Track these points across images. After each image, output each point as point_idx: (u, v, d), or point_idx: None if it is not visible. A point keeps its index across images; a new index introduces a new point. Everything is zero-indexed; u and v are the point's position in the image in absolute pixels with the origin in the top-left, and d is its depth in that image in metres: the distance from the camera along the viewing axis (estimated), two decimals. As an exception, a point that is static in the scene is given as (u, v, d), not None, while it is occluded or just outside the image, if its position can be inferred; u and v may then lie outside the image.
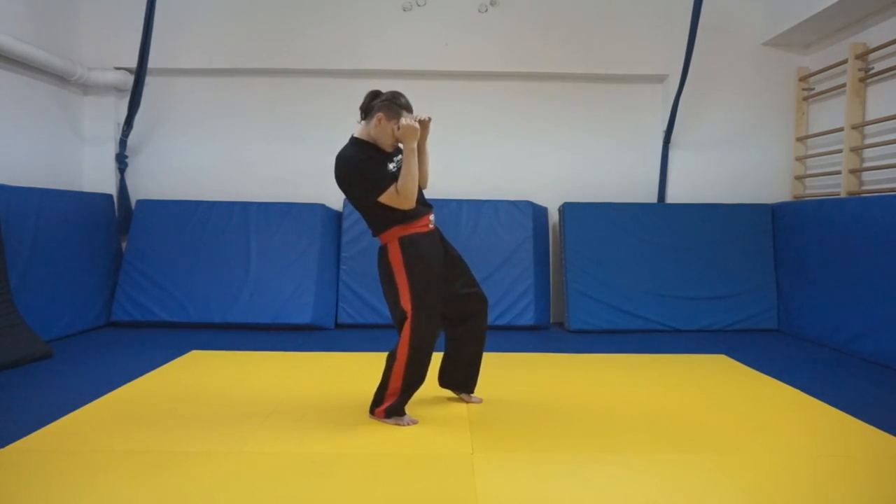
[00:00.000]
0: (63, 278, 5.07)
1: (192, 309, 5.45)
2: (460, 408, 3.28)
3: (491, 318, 5.42)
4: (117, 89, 6.01)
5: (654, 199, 6.17)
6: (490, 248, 5.69)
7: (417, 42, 5.91)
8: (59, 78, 5.60)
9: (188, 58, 5.96)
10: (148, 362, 4.14)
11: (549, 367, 4.25)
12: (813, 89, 5.93)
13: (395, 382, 3.01)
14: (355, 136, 3.06)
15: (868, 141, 5.16)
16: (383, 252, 3.04)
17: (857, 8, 5.04)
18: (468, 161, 6.05)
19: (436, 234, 3.11)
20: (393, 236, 2.99)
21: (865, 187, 5.14)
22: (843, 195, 5.18)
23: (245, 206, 5.79)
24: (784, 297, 5.61)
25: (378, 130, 2.97)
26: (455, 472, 2.49)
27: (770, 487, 2.38)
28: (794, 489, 2.38)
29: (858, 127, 5.19)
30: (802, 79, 6.00)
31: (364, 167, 2.95)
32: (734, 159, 6.11)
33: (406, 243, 2.97)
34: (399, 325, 3.02)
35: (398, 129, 2.92)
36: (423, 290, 2.96)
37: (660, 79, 6.15)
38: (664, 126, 6.01)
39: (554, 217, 6.07)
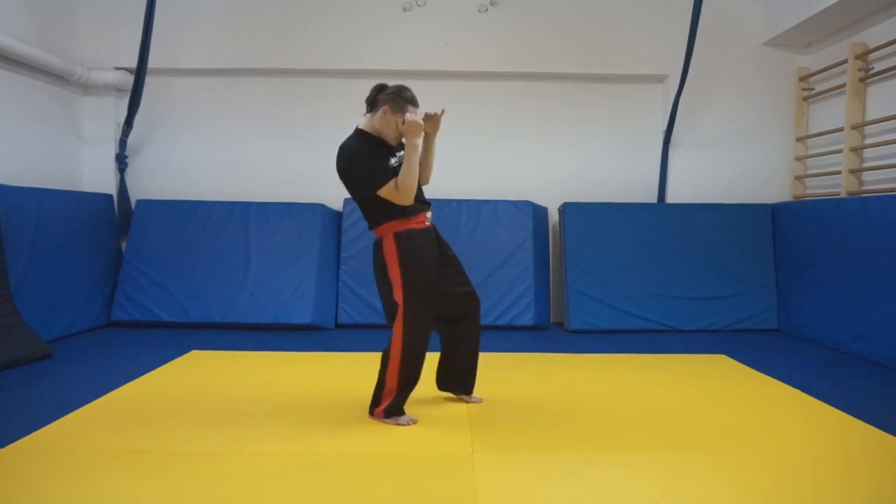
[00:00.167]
0: (63, 278, 5.07)
1: (192, 309, 5.45)
2: (460, 408, 3.28)
3: (491, 318, 5.48)
4: (117, 89, 6.01)
5: (654, 199, 6.17)
6: (490, 248, 5.69)
7: (417, 42, 5.91)
8: (59, 78, 5.60)
9: (188, 58, 5.96)
10: (148, 362, 4.14)
11: (548, 367, 4.25)
12: (813, 89, 5.93)
13: (391, 382, 3.01)
14: (360, 127, 3.05)
15: (868, 141, 5.16)
16: (378, 246, 3.05)
17: (857, 8, 5.04)
18: (468, 161, 6.05)
19: (432, 232, 3.11)
20: (389, 231, 2.99)
21: (865, 187, 5.14)
22: (843, 195, 5.18)
23: (245, 207, 5.79)
24: (784, 297, 5.61)
25: (383, 123, 2.97)
26: (455, 472, 2.49)
27: (770, 487, 2.38)
28: (794, 489, 2.38)
29: (858, 127, 5.19)
30: (802, 79, 6.00)
31: (365, 160, 2.94)
32: (734, 159, 6.11)
33: (401, 238, 2.97)
34: (391, 319, 3.02)
35: (403, 123, 2.92)
36: (417, 285, 2.96)
37: (660, 79, 6.15)
38: (664, 126, 6.01)
39: (554, 217, 6.07)
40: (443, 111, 3.03)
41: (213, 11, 5.95)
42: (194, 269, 5.58)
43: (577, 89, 6.18)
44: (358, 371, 3.95)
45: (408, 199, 2.93)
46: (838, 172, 5.35)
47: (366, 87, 3.11)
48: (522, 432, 2.96)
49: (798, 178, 6.04)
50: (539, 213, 5.93)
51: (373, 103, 3.02)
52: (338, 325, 5.61)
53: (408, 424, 3.00)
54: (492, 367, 4.03)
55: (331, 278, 5.69)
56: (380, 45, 5.91)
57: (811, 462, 2.63)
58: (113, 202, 5.95)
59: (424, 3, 5.93)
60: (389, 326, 3.03)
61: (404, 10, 5.94)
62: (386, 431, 2.93)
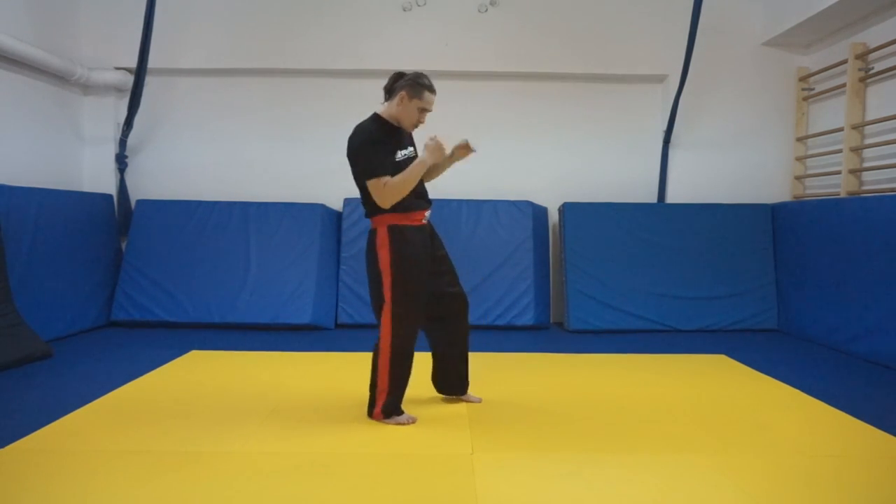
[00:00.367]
0: (63, 278, 5.07)
1: (192, 309, 5.45)
2: (460, 408, 3.28)
3: (491, 318, 5.48)
4: (117, 89, 6.01)
5: (654, 199, 6.17)
6: (490, 248, 5.69)
7: (417, 42, 5.91)
8: (59, 78, 5.60)
9: (188, 58, 5.96)
10: (148, 362, 4.14)
11: (549, 367, 4.25)
12: (813, 89, 5.93)
13: (383, 381, 3.02)
14: (377, 112, 3.05)
15: (868, 141, 5.16)
16: (371, 236, 3.04)
17: (857, 8, 5.04)
18: (468, 161, 6.02)
19: (426, 230, 3.10)
20: (383, 222, 2.98)
21: (865, 187, 5.14)
22: (842, 195, 5.18)
23: (245, 206, 5.79)
24: (784, 297, 5.61)
25: (400, 109, 2.98)
26: (455, 472, 2.49)
27: (770, 487, 2.38)
28: (794, 489, 2.38)
29: (858, 127, 5.19)
30: (802, 79, 6.00)
31: (370, 146, 2.93)
32: (734, 159, 6.11)
33: (394, 231, 2.96)
34: (377, 311, 3.01)
35: (421, 113, 2.97)
36: (405, 282, 2.95)
37: (660, 79, 6.15)
38: (664, 126, 6.01)
39: (554, 217, 6.07)
40: (470, 149, 3.11)
41: (213, 11, 5.95)
42: (194, 269, 5.58)
43: (577, 89, 6.18)
44: (358, 371, 3.93)
45: (386, 204, 2.91)
46: (838, 172, 5.35)
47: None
48: (522, 432, 2.96)
49: (798, 178, 6.04)
50: (539, 213, 5.93)
51: (390, 91, 3.03)
52: (338, 325, 5.62)
53: (408, 423, 3.01)
54: (492, 367, 4.04)
55: (331, 278, 5.69)
56: (380, 45, 5.91)
57: (811, 462, 2.63)
58: (113, 202, 5.96)
59: (424, 3, 5.93)
60: (377, 318, 3.03)
61: (404, 10, 5.94)
62: (386, 431, 2.93)
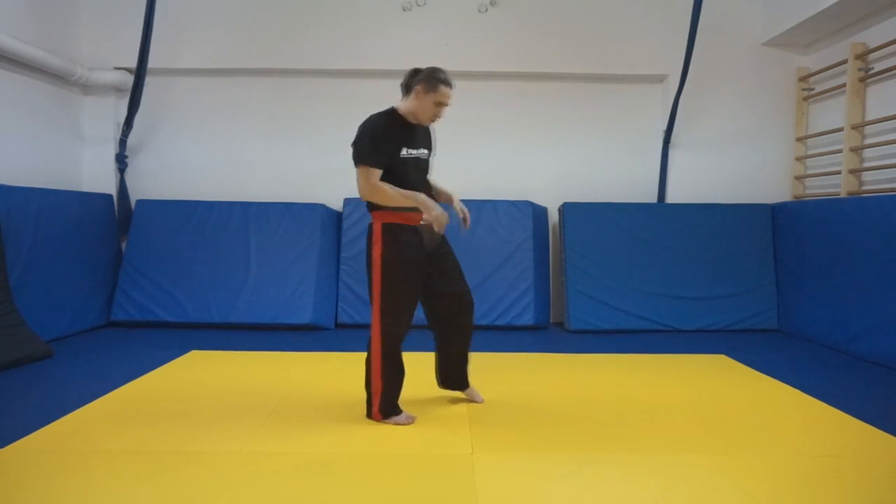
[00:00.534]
0: (63, 278, 5.07)
1: (192, 309, 5.45)
2: (460, 408, 3.28)
3: (491, 318, 5.48)
4: (117, 89, 6.01)
5: (654, 199, 6.17)
6: (490, 248, 5.69)
7: (417, 42, 5.90)
8: (59, 78, 5.60)
9: (188, 58, 5.96)
10: (148, 362, 4.14)
11: (548, 367, 4.25)
12: (813, 89, 5.93)
13: (376, 381, 3.02)
14: (394, 106, 3.06)
15: (868, 141, 5.16)
16: (369, 230, 3.06)
17: (857, 8, 5.04)
18: (468, 161, 6.04)
19: (423, 230, 3.09)
20: (380, 218, 2.99)
21: (865, 187, 5.14)
22: (842, 195, 5.18)
23: (245, 206, 5.79)
24: (784, 297, 5.61)
25: (416, 103, 2.99)
26: (455, 472, 2.49)
27: (770, 487, 2.38)
28: (794, 489, 2.38)
29: (858, 127, 5.19)
30: (802, 79, 6.00)
31: (371, 138, 2.92)
32: (734, 159, 6.11)
33: (388, 230, 2.97)
34: (371, 303, 3.04)
35: (437, 107, 2.99)
36: (394, 282, 2.96)
37: (660, 79, 6.15)
38: (664, 126, 6.01)
39: (554, 217, 6.07)
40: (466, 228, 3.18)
41: (213, 11, 5.95)
42: (194, 269, 5.58)
43: (577, 89, 6.18)
44: (358, 371, 3.90)
45: (365, 196, 2.95)
46: (838, 172, 5.35)
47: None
48: (522, 432, 2.96)
49: (798, 178, 6.04)
50: (539, 213, 5.93)
51: (407, 87, 3.04)
52: (338, 325, 5.62)
53: (407, 423, 3.01)
54: (492, 367, 4.04)
55: (331, 278, 5.69)
56: (380, 45, 5.90)
57: (811, 462, 2.63)
58: (113, 202, 5.95)
59: (424, 3, 5.93)
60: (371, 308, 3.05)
61: (404, 10, 5.94)
62: (386, 431, 2.94)
